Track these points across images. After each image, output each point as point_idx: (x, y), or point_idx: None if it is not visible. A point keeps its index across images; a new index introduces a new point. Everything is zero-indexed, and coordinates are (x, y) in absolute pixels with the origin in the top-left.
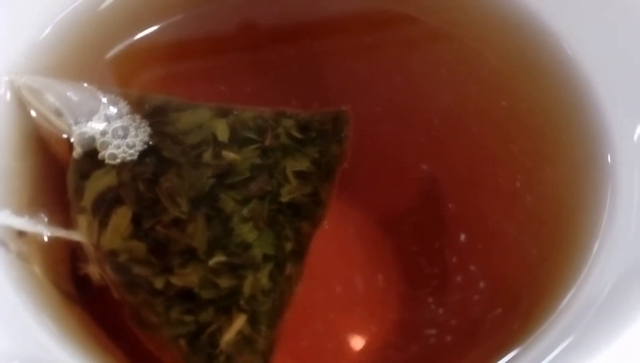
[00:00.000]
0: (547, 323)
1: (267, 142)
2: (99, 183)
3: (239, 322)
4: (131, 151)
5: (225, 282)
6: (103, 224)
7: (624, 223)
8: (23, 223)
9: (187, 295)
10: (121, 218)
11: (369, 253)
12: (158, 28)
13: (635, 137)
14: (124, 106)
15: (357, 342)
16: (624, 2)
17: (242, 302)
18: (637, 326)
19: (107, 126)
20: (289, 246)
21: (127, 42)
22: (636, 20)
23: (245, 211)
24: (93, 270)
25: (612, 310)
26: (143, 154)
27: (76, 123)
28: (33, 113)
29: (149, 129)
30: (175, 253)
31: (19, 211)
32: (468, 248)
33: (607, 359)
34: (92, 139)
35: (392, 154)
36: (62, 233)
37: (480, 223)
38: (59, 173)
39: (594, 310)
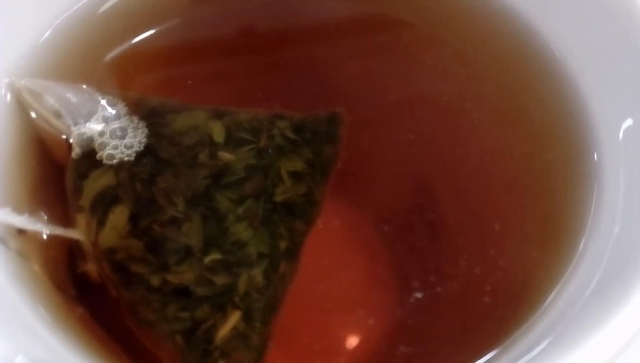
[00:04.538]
0: (529, 323)
1: (262, 143)
2: (97, 182)
3: (234, 318)
4: (129, 152)
5: (220, 280)
6: (101, 223)
7: (610, 221)
8: (23, 221)
9: (183, 292)
10: (119, 216)
11: (362, 251)
12: (156, 31)
13: (621, 135)
14: (122, 108)
15: (349, 340)
16: (609, 6)
17: (236, 299)
18: (615, 323)
19: (105, 127)
20: (283, 244)
21: (125, 45)
22: (621, 23)
23: (240, 211)
24: (91, 268)
25: (594, 308)
26: (140, 155)
27: (75, 124)
28: (33, 114)
29: (146, 131)
30: (171, 251)
31: (19, 210)
32: (458, 248)
33: (584, 356)
34: (91, 139)
35: (385, 154)
36: (61, 231)
37: (469, 222)
38: (58, 172)
39: (577, 309)
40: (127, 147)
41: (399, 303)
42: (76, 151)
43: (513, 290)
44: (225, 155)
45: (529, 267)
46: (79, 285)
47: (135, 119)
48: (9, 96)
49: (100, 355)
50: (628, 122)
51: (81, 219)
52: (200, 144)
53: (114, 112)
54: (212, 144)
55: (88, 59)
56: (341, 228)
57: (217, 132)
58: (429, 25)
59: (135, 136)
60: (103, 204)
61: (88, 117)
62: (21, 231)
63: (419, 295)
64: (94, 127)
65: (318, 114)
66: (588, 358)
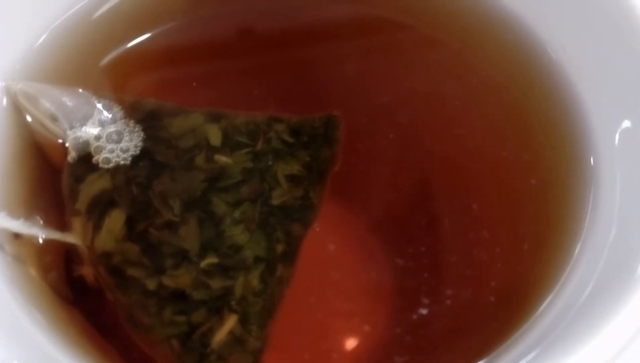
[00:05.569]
0: (526, 326)
1: (259, 146)
2: (93, 186)
3: (230, 322)
4: (125, 155)
5: (216, 283)
6: (97, 227)
7: (606, 224)
8: (19, 225)
9: (179, 296)
10: (115, 220)
11: (359, 254)
12: (152, 35)
13: (617, 139)
14: (118, 111)
15: (347, 344)
16: (606, 8)
17: (233, 303)
18: (612, 326)
19: (102, 130)
20: (280, 248)
21: (121, 49)
22: (618, 26)
23: (236, 214)
24: (87, 272)
25: (591, 312)
26: (136, 158)
27: (71, 128)
28: (29, 118)
29: (142, 134)
30: (168, 255)
31: (14, 214)
32: (456, 252)
33: (581, 359)
34: (87, 143)
35: (383, 157)
36: (57, 235)
37: (467, 226)
38: (54, 176)
39: (574, 312)
40: (123, 151)
41: (396, 306)
42: (72, 155)
43: (510, 293)
44: (222, 158)
45: (525, 270)
46: (75, 289)
47: (132, 122)
48: (4, 100)
49: (97, 359)
50: (624, 125)
51: (77, 223)
52: (197, 147)
53: (110, 115)
54: (208, 147)
55: (84, 63)
56: (339, 230)
57: (214, 135)
58: (427, 28)
59: (131, 140)
60: (99, 208)
61: (84, 121)
62: (17, 236)
63: (416, 300)
64: (90, 131)
65: (315, 117)
66: (585, 362)
